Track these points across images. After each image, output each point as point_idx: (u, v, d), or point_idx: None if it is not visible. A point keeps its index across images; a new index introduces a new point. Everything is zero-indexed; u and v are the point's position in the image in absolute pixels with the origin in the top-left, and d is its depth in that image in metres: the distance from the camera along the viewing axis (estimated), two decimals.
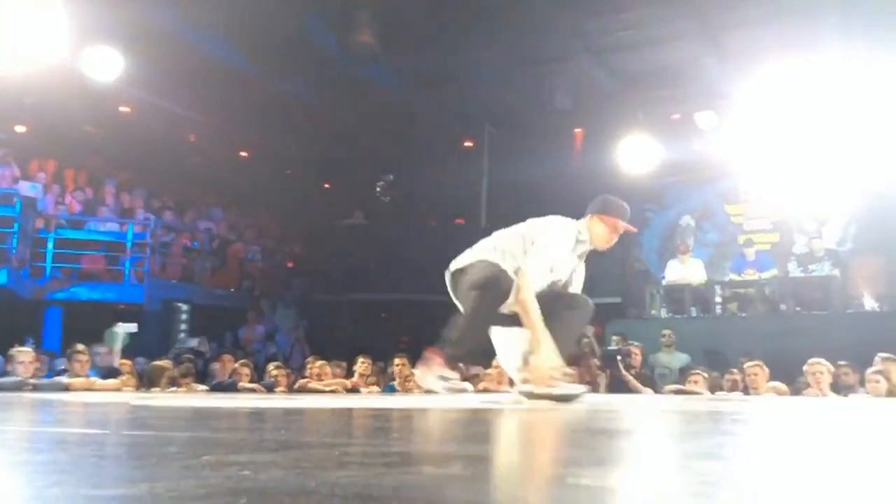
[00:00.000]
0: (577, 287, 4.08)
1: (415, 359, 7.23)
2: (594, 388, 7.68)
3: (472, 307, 3.70)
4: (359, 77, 10.67)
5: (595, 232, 3.95)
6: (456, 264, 3.94)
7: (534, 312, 3.60)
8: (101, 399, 4.40)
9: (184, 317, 12.17)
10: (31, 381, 6.08)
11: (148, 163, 12.66)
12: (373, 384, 7.51)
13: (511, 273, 3.73)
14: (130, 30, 8.76)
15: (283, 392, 7.07)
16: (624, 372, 7.51)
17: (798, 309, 9.48)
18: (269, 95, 10.99)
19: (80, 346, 6.51)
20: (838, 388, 6.41)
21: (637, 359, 7.94)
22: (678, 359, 8.74)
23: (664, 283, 10.66)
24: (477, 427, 2.53)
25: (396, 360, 7.47)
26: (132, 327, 7.79)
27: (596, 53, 10.31)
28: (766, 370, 6.61)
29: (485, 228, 7.87)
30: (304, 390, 7.09)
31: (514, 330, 3.74)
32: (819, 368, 6.26)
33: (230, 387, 7.01)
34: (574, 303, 3.96)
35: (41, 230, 10.91)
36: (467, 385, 6.92)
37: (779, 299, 9.80)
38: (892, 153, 10.04)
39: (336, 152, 13.49)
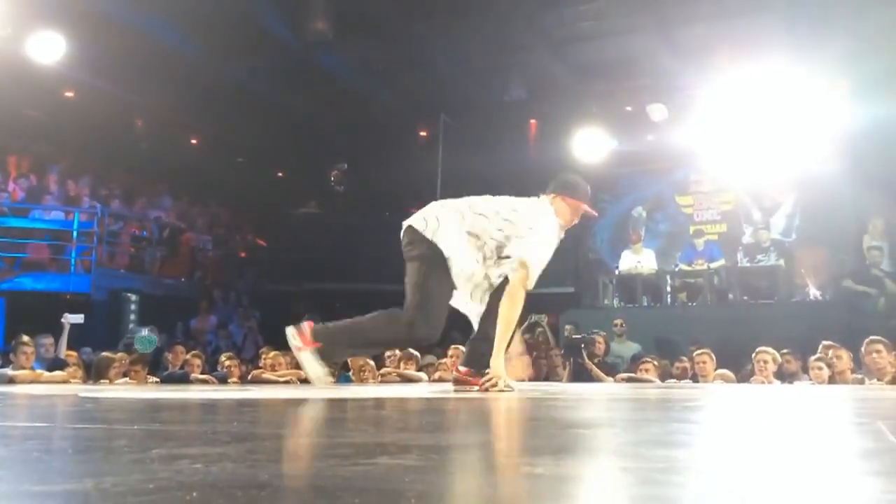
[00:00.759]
0: None
1: None
2: (554, 377, 7.76)
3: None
4: (313, 64, 10.55)
5: (560, 214, 3.77)
6: (433, 235, 3.61)
7: (512, 319, 3.52)
8: (47, 391, 4.29)
9: (133, 307, 11.93)
10: None
11: (94, 149, 12.33)
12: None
13: (479, 263, 3.62)
14: (75, 12, 8.51)
15: (236, 383, 6.98)
16: (587, 361, 7.60)
17: (745, 298, 9.72)
18: (219, 81, 10.79)
19: (25, 338, 6.33)
20: (782, 375, 6.59)
21: (601, 347, 8.06)
22: (630, 348, 8.89)
23: (617, 272, 10.82)
24: (432, 417, 2.53)
25: None
26: (79, 318, 7.59)
27: (552, 45, 10.37)
28: (714, 358, 6.76)
29: None
30: (257, 381, 7.01)
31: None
32: (764, 357, 6.43)
33: (182, 378, 6.90)
34: None
35: None
36: (422, 374, 6.94)
37: (727, 289, 10.03)
38: (834, 148, 10.33)
39: (289, 140, 13.34)
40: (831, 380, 6.14)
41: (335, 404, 3.05)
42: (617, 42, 10.15)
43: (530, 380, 7.51)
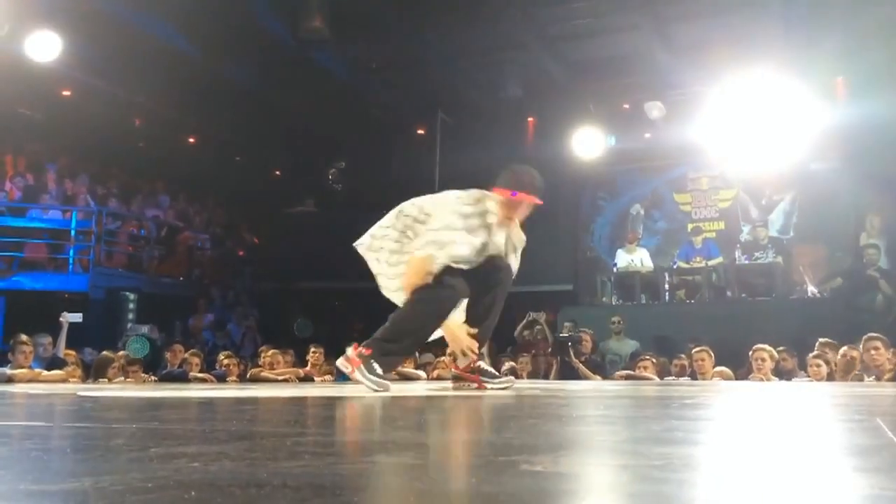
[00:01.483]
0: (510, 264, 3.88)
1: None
2: (546, 375, 7.78)
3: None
4: (309, 63, 10.53)
5: (504, 208, 3.70)
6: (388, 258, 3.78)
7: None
8: (46, 390, 4.29)
9: (131, 306, 11.92)
10: None
11: (91, 148, 12.30)
12: (326, 373, 7.47)
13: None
14: (71, 11, 8.49)
15: (235, 381, 6.98)
16: (574, 359, 7.61)
17: (743, 295, 9.73)
18: (216, 80, 10.76)
19: (24, 337, 6.34)
20: (780, 372, 6.60)
21: (588, 345, 8.06)
22: (628, 345, 8.89)
23: (615, 270, 10.83)
24: (430, 415, 2.53)
25: (313, 349, 7.56)
26: (77, 317, 7.59)
27: (548, 42, 10.37)
28: (713, 356, 6.77)
29: None
30: (256, 379, 7.02)
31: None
32: (762, 355, 6.44)
33: (180, 376, 6.91)
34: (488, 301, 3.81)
35: None
36: (420, 373, 6.95)
37: (725, 286, 10.04)
38: (831, 145, 10.34)
39: (286, 139, 13.32)
40: (829, 376, 6.16)
41: (333, 403, 3.05)
42: (613, 39, 10.15)
43: (529, 377, 7.52)
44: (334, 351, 8.31)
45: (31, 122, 11.63)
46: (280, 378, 6.99)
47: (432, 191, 4.18)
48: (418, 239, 3.68)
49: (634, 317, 9.43)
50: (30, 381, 5.83)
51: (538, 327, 8.85)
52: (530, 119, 12.17)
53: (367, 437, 1.74)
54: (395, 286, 3.79)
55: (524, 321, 9.03)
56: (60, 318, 7.44)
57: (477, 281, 3.72)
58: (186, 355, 7.35)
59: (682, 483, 1.00)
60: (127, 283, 11.89)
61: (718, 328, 8.44)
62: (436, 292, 3.61)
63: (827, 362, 6.26)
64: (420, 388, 4.51)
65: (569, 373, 7.51)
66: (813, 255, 10.67)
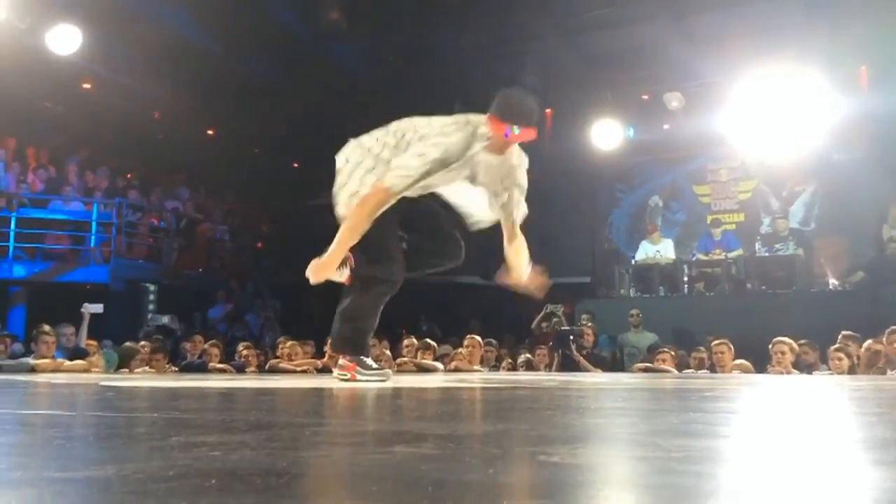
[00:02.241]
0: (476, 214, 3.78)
1: (388, 338, 7.23)
2: (549, 367, 7.74)
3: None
4: (327, 55, 10.55)
5: (491, 135, 3.61)
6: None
7: (352, 232, 3.42)
8: (68, 380, 4.34)
9: (151, 297, 12.04)
10: None
11: (112, 141, 12.41)
12: None
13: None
14: (91, 5, 8.55)
15: (254, 372, 7.03)
16: (575, 352, 7.57)
17: (763, 288, 9.63)
18: (235, 73, 10.82)
19: (46, 327, 6.41)
20: (800, 365, 6.54)
21: (589, 339, 8.02)
22: (646, 338, 8.84)
23: (633, 262, 10.76)
24: (448, 406, 2.54)
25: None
26: (98, 308, 7.67)
27: (565, 33, 10.31)
28: (732, 348, 6.72)
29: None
30: (274, 370, 7.06)
31: None
32: (782, 348, 6.38)
33: (200, 367, 6.96)
34: (444, 249, 3.75)
35: (3, 210, 10.69)
36: (438, 364, 6.96)
37: (745, 278, 9.95)
38: (853, 136, 10.21)
39: (305, 131, 13.34)
40: (851, 370, 6.10)
41: (352, 394, 3.06)
42: (631, 30, 10.07)
43: (546, 369, 7.51)
44: None
45: (53, 115, 11.75)
46: (298, 369, 7.04)
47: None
48: (395, 159, 3.54)
49: (653, 309, 9.38)
50: (53, 370, 5.90)
51: (556, 319, 8.81)
52: (548, 110, 12.12)
53: (384, 427, 1.75)
54: (344, 200, 3.61)
55: (541, 313, 9.00)
56: (82, 309, 7.52)
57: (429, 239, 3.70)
58: (206, 346, 7.41)
59: (701, 475, 0.99)
60: (147, 274, 12.00)
61: (738, 321, 8.36)
62: (372, 287, 3.64)
63: (849, 355, 6.19)
64: (437, 380, 4.52)
65: (568, 366, 7.47)
66: (834, 247, 10.54)
